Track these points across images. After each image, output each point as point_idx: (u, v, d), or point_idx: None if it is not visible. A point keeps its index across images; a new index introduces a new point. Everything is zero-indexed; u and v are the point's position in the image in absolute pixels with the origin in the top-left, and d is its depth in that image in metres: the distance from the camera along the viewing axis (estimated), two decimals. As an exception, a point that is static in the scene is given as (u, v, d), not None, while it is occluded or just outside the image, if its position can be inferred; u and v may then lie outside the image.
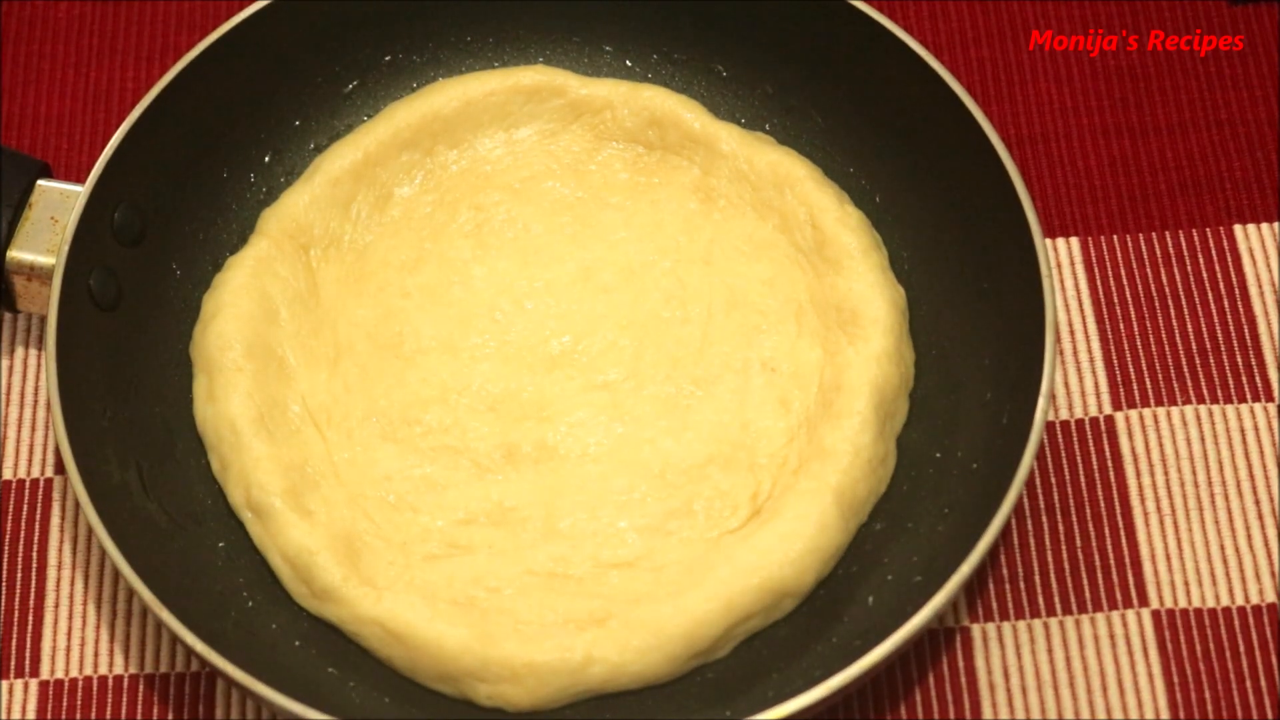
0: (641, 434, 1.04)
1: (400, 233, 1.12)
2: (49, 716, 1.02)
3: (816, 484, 1.01)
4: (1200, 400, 1.10)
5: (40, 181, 1.08)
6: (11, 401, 1.12)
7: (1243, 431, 1.09)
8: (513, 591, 1.00)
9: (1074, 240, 1.16)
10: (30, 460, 1.10)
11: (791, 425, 1.04)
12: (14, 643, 1.04)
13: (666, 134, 1.13)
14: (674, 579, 0.99)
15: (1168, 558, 1.05)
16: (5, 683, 1.03)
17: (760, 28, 1.15)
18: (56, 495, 1.09)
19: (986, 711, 1.02)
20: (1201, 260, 1.15)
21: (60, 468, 1.09)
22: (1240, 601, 1.04)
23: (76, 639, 1.05)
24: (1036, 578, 1.05)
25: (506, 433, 1.05)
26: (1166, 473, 1.08)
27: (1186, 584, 1.05)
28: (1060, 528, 1.06)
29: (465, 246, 1.11)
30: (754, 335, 1.07)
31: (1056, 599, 1.04)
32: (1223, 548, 1.06)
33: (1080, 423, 1.10)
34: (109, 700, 1.03)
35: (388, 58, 1.18)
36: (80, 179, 1.12)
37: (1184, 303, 1.14)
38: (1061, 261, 1.15)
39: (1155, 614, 1.04)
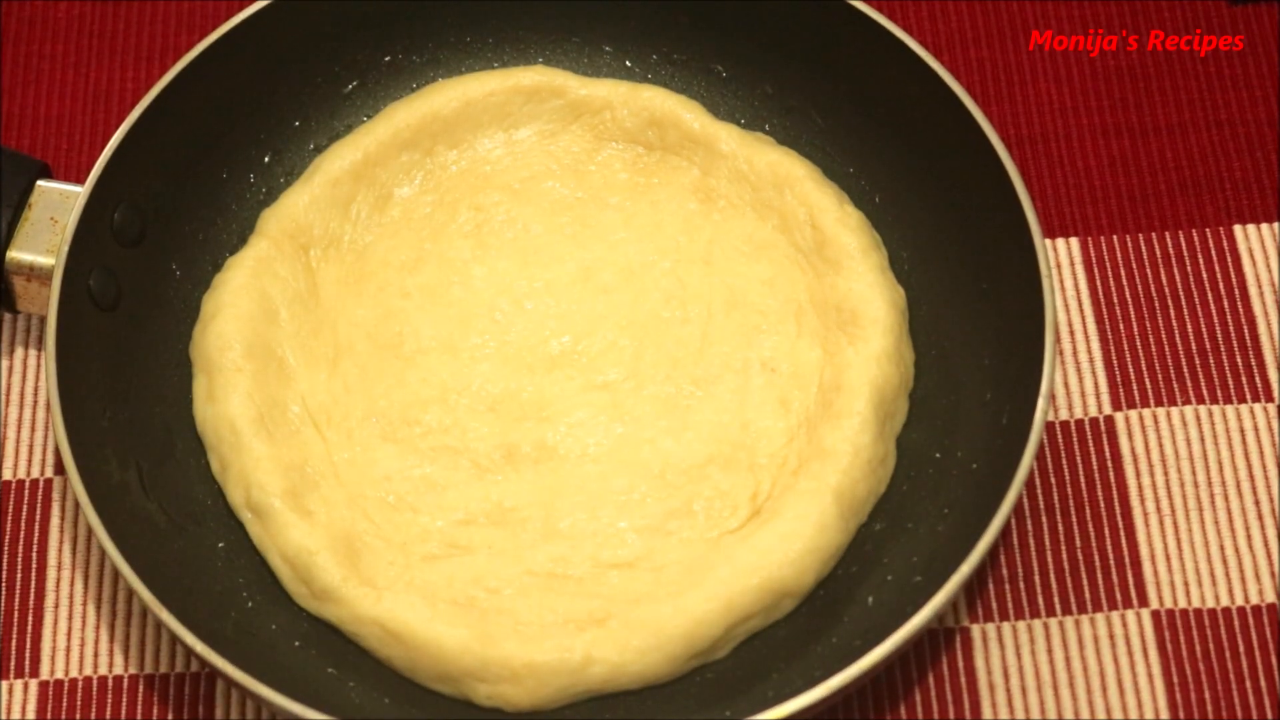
0: (641, 434, 1.04)
1: (400, 233, 1.12)
2: (49, 716, 1.02)
3: (816, 484, 1.01)
4: (1200, 400, 1.10)
5: (40, 182, 1.08)
6: (11, 401, 1.12)
7: (1243, 432, 1.09)
8: (512, 592, 1.00)
9: (1074, 240, 1.16)
10: (30, 460, 1.10)
11: (791, 425, 1.04)
12: (14, 643, 1.04)
13: (666, 134, 1.13)
14: (674, 579, 0.99)
15: (1167, 558, 1.05)
16: (5, 683, 1.03)
17: (760, 28, 1.15)
18: (56, 495, 1.09)
19: (986, 711, 1.02)
20: (1201, 260, 1.15)
21: (60, 468, 1.09)
22: (1240, 602, 1.04)
23: (76, 639, 1.05)
24: (1036, 578, 1.05)
25: (506, 433, 1.05)
26: (1166, 473, 1.08)
27: (1186, 584, 1.05)
28: (1060, 528, 1.06)
29: (465, 247, 1.11)
30: (754, 335, 1.07)
31: (1056, 599, 1.04)
32: (1223, 548, 1.06)
33: (1080, 423, 1.10)
34: (109, 700, 1.03)
35: (388, 58, 1.18)
36: (80, 179, 1.12)
37: (1184, 303, 1.13)
38: (1061, 262, 1.15)
39: (1155, 614, 1.04)
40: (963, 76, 1.22)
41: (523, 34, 1.18)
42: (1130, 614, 1.04)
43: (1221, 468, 1.08)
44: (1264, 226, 1.16)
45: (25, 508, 1.08)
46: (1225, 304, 1.13)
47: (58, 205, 1.07)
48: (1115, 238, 1.16)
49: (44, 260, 1.06)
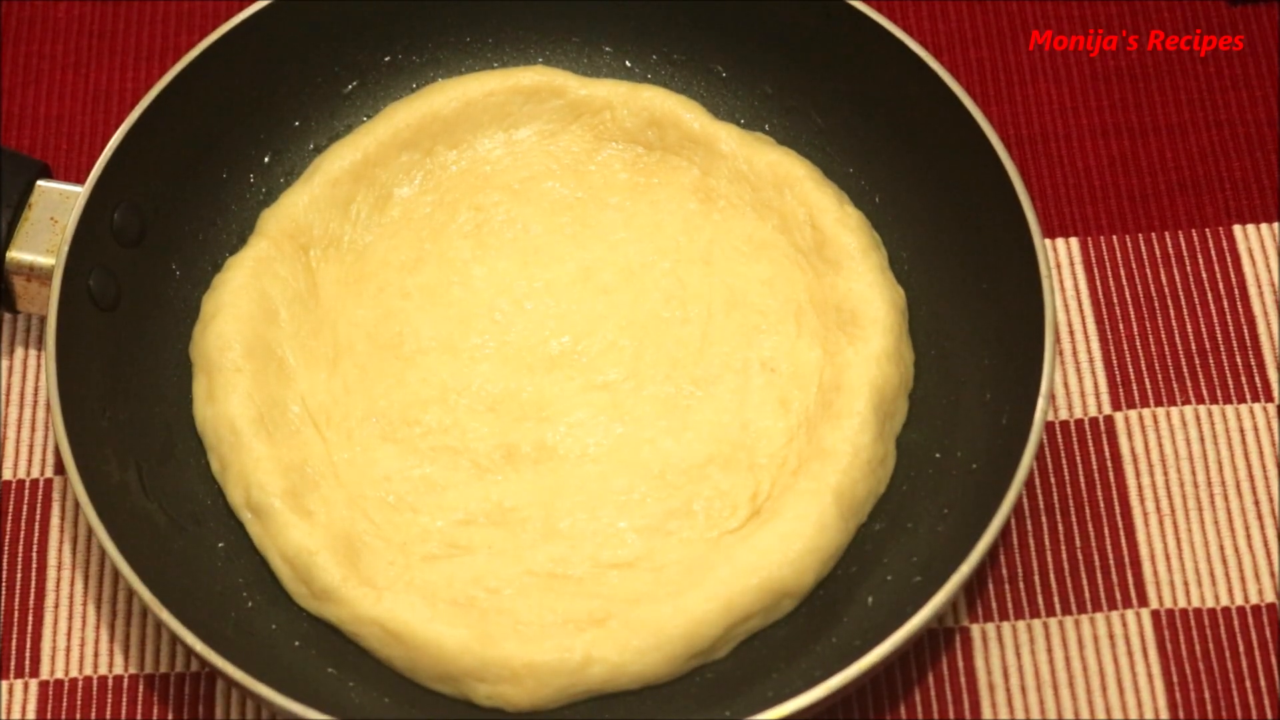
0: (641, 434, 1.04)
1: (400, 233, 1.12)
2: (49, 716, 1.02)
3: (816, 484, 1.01)
4: (1200, 400, 1.10)
5: (40, 182, 1.08)
6: (11, 401, 1.12)
7: (1242, 431, 1.09)
8: (512, 592, 1.00)
9: (1074, 240, 1.16)
10: (30, 460, 1.10)
11: (791, 425, 1.04)
12: (14, 643, 1.04)
13: (666, 134, 1.13)
14: (674, 579, 0.99)
15: (1167, 558, 1.05)
16: (5, 683, 1.03)
17: (760, 28, 1.15)
18: (56, 495, 1.09)
19: (986, 711, 1.02)
20: (1201, 260, 1.15)
21: (60, 468, 1.09)
22: (1240, 601, 1.04)
23: (76, 639, 1.05)
24: (1036, 578, 1.05)
25: (506, 433, 1.05)
26: (1166, 473, 1.08)
27: (1186, 584, 1.05)
28: (1060, 528, 1.06)
29: (465, 247, 1.11)
30: (754, 335, 1.07)
31: (1056, 599, 1.04)
32: (1222, 548, 1.06)
33: (1080, 423, 1.10)
34: (109, 700, 1.03)
35: (387, 58, 1.18)
36: (80, 179, 1.12)
37: (1184, 303, 1.13)
38: (1061, 262, 1.15)
39: (1155, 614, 1.04)
40: (963, 76, 1.22)
41: (523, 34, 1.18)
42: (1130, 614, 1.04)
43: (1221, 468, 1.08)
44: (1264, 226, 1.16)
45: (25, 508, 1.08)
46: (1225, 304, 1.13)
47: (58, 205, 1.07)
48: (1115, 238, 1.16)
49: (44, 260, 1.06)
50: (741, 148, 1.12)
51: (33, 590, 1.06)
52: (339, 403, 1.06)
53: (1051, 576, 1.05)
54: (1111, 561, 1.05)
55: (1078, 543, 1.06)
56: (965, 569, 0.94)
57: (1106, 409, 1.10)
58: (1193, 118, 1.21)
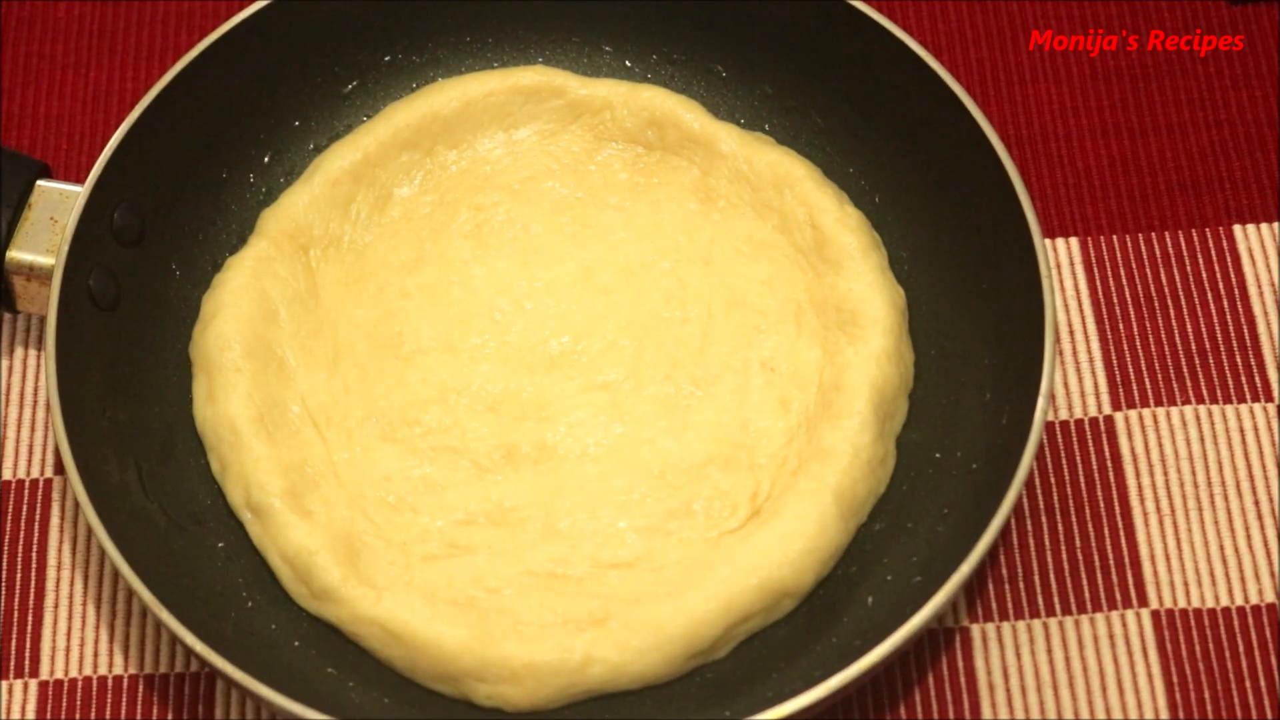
0: (641, 434, 1.04)
1: (400, 233, 1.12)
2: (49, 716, 1.02)
3: (816, 484, 1.01)
4: (1200, 400, 1.10)
5: (40, 182, 1.08)
6: (11, 401, 1.12)
7: (1242, 431, 1.09)
8: (512, 592, 1.00)
9: (1073, 240, 1.16)
10: (30, 460, 1.10)
11: (791, 425, 1.04)
12: (14, 643, 1.04)
13: (666, 134, 1.13)
14: (673, 579, 0.99)
15: (1167, 558, 1.05)
16: (5, 683, 1.03)
17: (760, 28, 1.15)
18: (56, 495, 1.09)
19: (986, 712, 1.02)
20: (1201, 260, 1.15)
21: (60, 468, 1.09)
22: (1240, 602, 1.04)
23: (76, 639, 1.05)
24: (1036, 578, 1.05)
25: (506, 433, 1.05)
26: (1166, 473, 1.08)
27: (1186, 584, 1.05)
28: (1060, 528, 1.06)
29: (465, 247, 1.11)
30: (754, 335, 1.07)
31: (1056, 599, 1.04)
32: (1222, 548, 1.06)
33: (1080, 423, 1.10)
34: (109, 700, 1.03)
35: (387, 58, 1.18)
36: (80, 179, 1.12)
37: (1184, 303, 1.13)
38: (1061, 262, 1.15)
39: (1155, 614, 1.04)
40: (963, 76, 1.22)
41: (523, 34, 1.18)
42: (1130, 614, 1.04)
43: (1221, 468, 1.08)
44: (1264, 226, 1.16)
45: (25, 508, 1.08)
46: (1225, 304, 1.13)
47: (58, 205, 1.07)
48: (1115, 238, 1.16)
49: (44, 260, 1.06)
50: (741, 148, 1.12)
51: (32, 590, 1.06)
52: (339, 403, 1.06)
53: (1051, 576, 1.05)
54: (1111, 561, 1.05)
55: (1078, 543, 1.06)
56: (965, 569, 0.94)
57: (1106, 409, 1.10)
58: (1193, 118, 1.21)
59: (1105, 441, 1.09)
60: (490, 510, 1.02)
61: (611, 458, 1.04)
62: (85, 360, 1.03)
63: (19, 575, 1.06)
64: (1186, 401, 1.10)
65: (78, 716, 1.02)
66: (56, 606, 1.05)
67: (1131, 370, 1.11)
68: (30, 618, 1.05)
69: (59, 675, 1.04)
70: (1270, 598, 1.04)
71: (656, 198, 1.13)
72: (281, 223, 1.10)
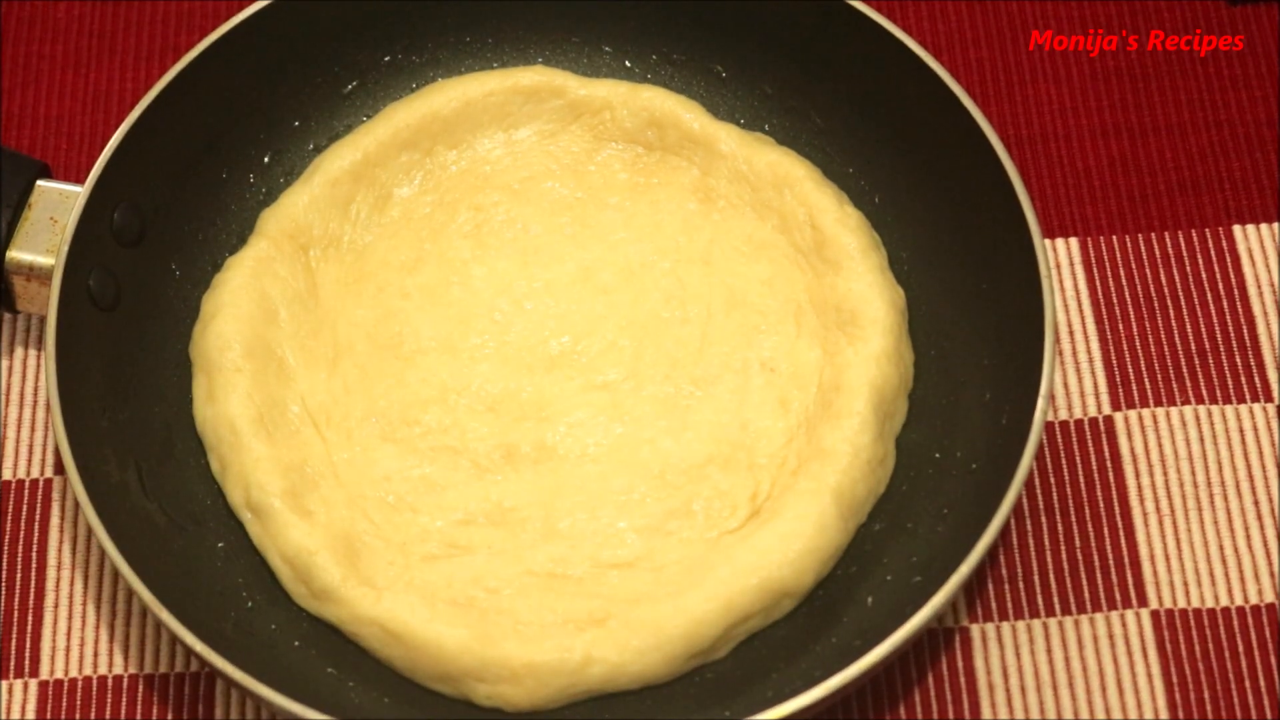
0: (641, 434, 1.04)
1: (400, 233, 1.12)
2: (49, 716, 1.02)
3: (816, 484, 1.01)
4: (1199, 400, 1.10)
5: (40, 182, 1.08)
6: (11, 401, 1.12)
7: (1242, 432, 1.09)
8: (512, 592, 1.00)
9: (1073, 240, 1.16)
10: (30, 460, 1.10)
11: (791, 425, 1.04)
12: (14, 643, 1.04)
13: (666, 134, 1.13)
14: (673, 579, 0.99)
15: (1167, 558, 1.05)
16: (5, 683, 1.03)
17: (760, 28, 1.15)
18: (56, 495, 1.09)
19: (986, 711, 1.02)
20: (1201, 260, 1.15)
21: (60, 468, 1.09)
22: (1240, 602, 1.04)
23: (76, 639, 1.05)
24: (1036, 578, 1.05)
25: (506, 433, 1.05)
26: (1166, 473, 1.08)
27: (1186, 584, 1.05)
28: (1060, 528, 1.06)
29: (465, 247, 1.11)
30: (753, 335, 1.07)
31: (1056, 599, 1.04)
32: (1222, 548, 1.06)
33: (1079, 423, 1.10)
34: (109, 700, 1.03)
35: (387, 58, 1.18)
36: (80, 179, 1.12)
37: (1183, 303, 1.14)
38: (1061, 262, 1.15)
39: (1155, 614, 1.04)
40: (963, 76, 1.22)
41: (522, 34, 1.18)
42: (1130, 614, 1.04)
43: (1221, 468, 1.08)
44: (1263, 226, 1.16)
45: (25, 508, 1.08)
46: (1225, 304, 1.13)
47: (58, 205, 1.07)
48: (1115, 238, 1.16)
49: (44, 260, 1.06)
50: (741, 148, 1.12)
51: (32, 590, 1.06)
52: (339, 403, 1.06)
53: (1051, 576, 1.05)
54: (1111, 561, 1.05)
55: (1077, 543, 1.06)
56: (965, 569, 0.94)
57: (1106, 409, 1.10)
58: (1193, 118, 1.21)
59: (1105, 442, 1.09)
60: (490, 510, 1.03)
61: (611, 458, 1.04)
62: (85, 360, 1.03)
63: (19, 575, 1.06)
64: (1186, 402, 1.10)
65: (78, 716, 1.02)
66: (56, 606, 1.05)
67: (1131, 370, 1.11)
68: (30, 618, 1.05)
69: (59, 675, 1.04)
70: (1270, 598, 1.04)
71: (656, 198, 1.13)
72: (281, 223, 1.10)
